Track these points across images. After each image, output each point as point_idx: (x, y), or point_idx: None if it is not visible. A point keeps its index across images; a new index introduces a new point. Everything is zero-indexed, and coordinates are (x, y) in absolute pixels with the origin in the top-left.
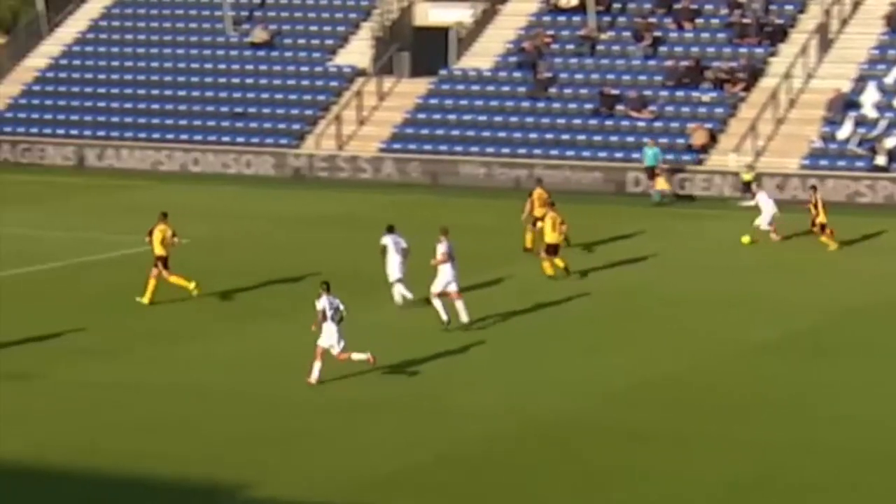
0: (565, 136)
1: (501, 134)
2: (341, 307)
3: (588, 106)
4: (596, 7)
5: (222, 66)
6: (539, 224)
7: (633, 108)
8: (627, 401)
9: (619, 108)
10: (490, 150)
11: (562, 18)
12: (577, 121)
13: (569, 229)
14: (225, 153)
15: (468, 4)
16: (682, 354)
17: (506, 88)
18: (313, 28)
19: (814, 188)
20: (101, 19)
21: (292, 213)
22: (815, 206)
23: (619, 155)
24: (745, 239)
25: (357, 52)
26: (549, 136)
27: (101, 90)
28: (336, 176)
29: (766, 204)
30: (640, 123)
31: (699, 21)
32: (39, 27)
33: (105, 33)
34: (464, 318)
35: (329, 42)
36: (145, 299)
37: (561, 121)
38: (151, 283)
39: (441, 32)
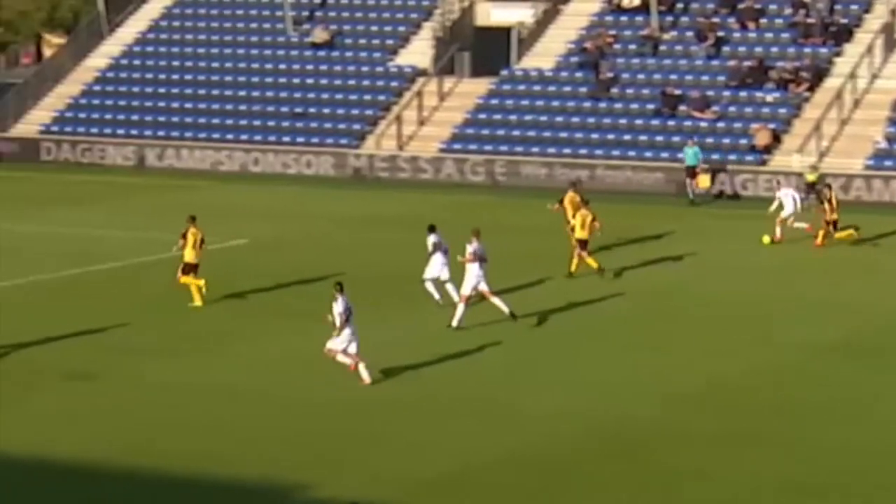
0: (627, 137)
1: (563, 134)
2: (351, 307)
3: (650, 106)
4: (658, 7)
5: (283, 67)
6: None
7: (696, 109)
8: (691, 402)
9: (682, 108)
10: (551, 150)
11: (624, 18)
12: (639, 121)
13: (601, 227)
14: (285, 153)
15: (530, 4)
16: (739, 356)
17: (567, 89)
18: (374, 28)
19: (828, 186)
20: (161, 19)
21: (352, 213)
22: (830, 202)
23: (680, 156)
24: (766, 239)
25: (418, 52)
26: (610, 136)
27: (162, 90)
28: (396, 176)
29: (787, 200)
30: (703, 124)
31: (763, 21)
32: (100, 27)
33: (166, 33)
34: (504, 309)
35: (390, 42)
36: (198, 302)
37: (623, 121)
38: (195, 284)
39: (502, 32)
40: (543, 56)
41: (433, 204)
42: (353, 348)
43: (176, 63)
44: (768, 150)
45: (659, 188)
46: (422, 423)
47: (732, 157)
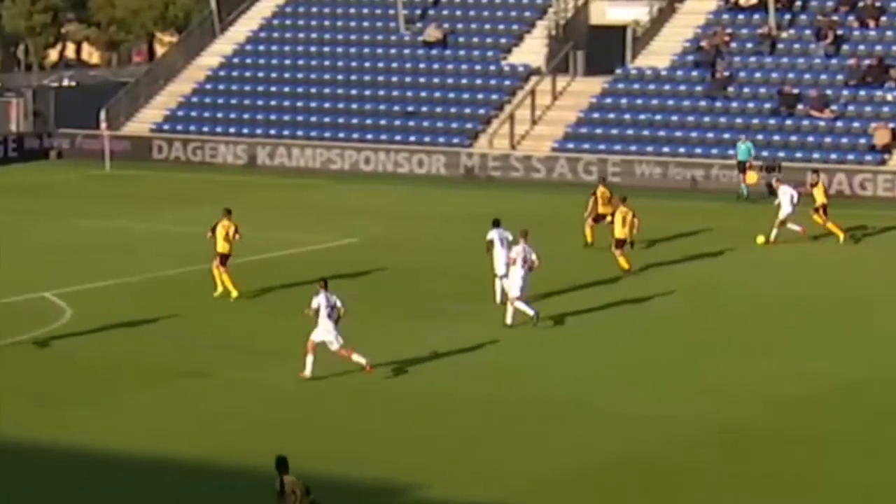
0: (743, 136)
1: (677, 133)
2: (339, 304)
3: (767, 105)
4: (776, 5)
5: (395, 65)
6: (608, 219)
7: (814, 108)
8: (795, 405)
9: (800, 107)
10: (666, 149)
11: (741, 16)
12: (756, 120)
13: (640, 224)
14: (397, 152)
15: (645, 2)
16: (843, 356)
17: (682, 88)
18: (487, 27)
19: (815, 171)
20: (273, 18)
21: (463, 212)
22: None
23: (798, 155)
24: (760, 239)
25: (531, 50)
26: (726, 135)
27: (273, 89)
28: (509, 175)
29: (784, 199)
30: (821, 123)
31: (883, 19)
32: (212, 26)
33: (278, 32)
34: (508, 320)
35: (503, 41)
36: (234, 293)
37: (739, 120)
38: (224, 278)
39: (617, 31)
40: (659, 55)
41: (545, 203)
42: (333, 344)
43: (287, 62)
44: (888, 149)
45: None
46: (530, 424)
47: (851, 156)
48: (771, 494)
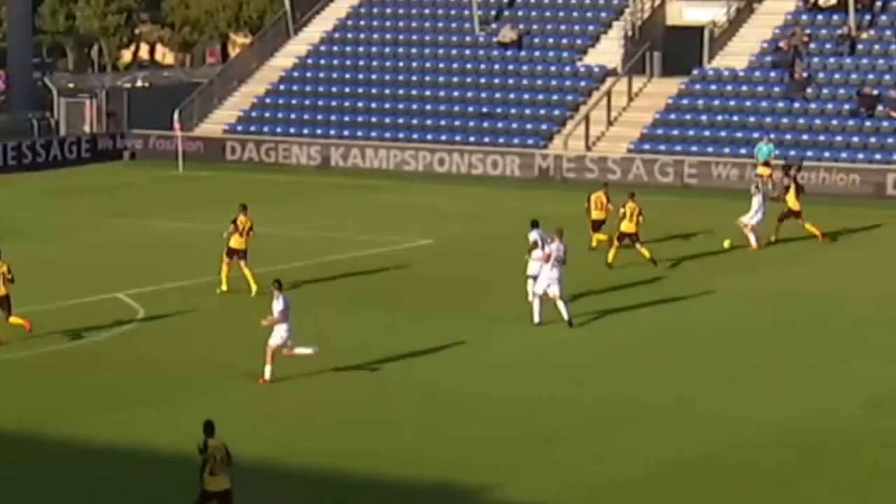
0: (822, 138)
1: (755, 135)
2: (289, 304)
3: (846, 107)
4: (856, 5)
5: (469, 66)
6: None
7: (894, 109)
8: (883, 407)
9: (880, 109)
10: (743, 151)
11: (820, 17)
12: (835, 122)
13: (644, 222)
14: (471, 153)
15: (722, 3)
16: None
17: (760, 89)
18: (563, 27)
19: (794, 167)
20: (347, 19)
21: (538, 214)
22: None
23: (878, 157)
24: (726, 244)
25: (607, 51)
26: (805, 137)
27: (347, 90)
28: (584, 177)
29: (756, 205)
30: None
31: None
32: (286, 27)
33: (352, 33)
34: (565, 315)
35: (579, 41)
36: (222, 287)
37: (818, 122)
38: (248, 273)
39: (694, 31)
40: (736, 55)
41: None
42: (278, 341)
43: (362, 63)
44: None
45: (855, 190)
46: (602, 425)
47: None
48: (849, 498)
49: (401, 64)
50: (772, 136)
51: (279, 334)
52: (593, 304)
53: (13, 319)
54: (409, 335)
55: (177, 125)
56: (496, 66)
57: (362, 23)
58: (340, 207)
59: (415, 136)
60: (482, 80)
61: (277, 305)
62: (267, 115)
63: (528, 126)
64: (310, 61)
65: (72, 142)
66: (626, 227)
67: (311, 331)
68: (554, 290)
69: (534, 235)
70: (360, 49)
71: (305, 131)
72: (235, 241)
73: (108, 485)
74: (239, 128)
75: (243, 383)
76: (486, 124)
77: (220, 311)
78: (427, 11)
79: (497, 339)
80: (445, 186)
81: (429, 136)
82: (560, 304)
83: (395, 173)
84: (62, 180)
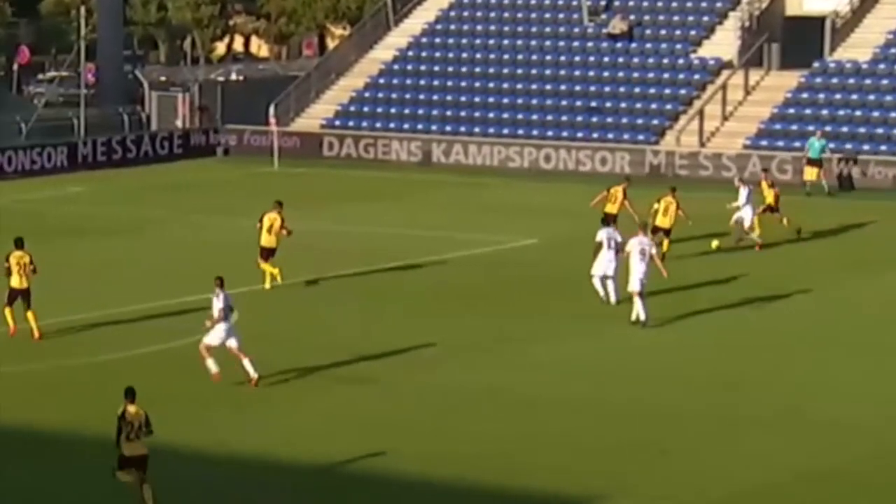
0: (818, 132)
1: (879, 130)
2: (231, 303)
3: None
4: None
5: (577, 59)
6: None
7: None
8: None
9: None
10: (866, 147)
11: None
12: None
13: (683, 217)
14: (579, 150)
15: None
16: None
17: (885, 82)
18: (676, 18)
19: (765, 170)
20: (450, 9)
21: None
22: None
23: None
24: (714, 244)
25: (723, 43)
26: None
27: (449, 83)
28: (697, 174)
29: (742, 199)
30: None
31: None
32: (386, 18)
33: (454, 24)
34: (642, 316)
35: (692, 33)
36: (266, 285)
37: None
38: (265, 266)
39: (814, 22)
40: (859, 47)
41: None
42: (232, 343)
43: (465, 55)
44: None
45: None
46: (713, 434)
47: None
48: None
49: (506, 56)
50: (822, 131)
51: (217, 334)
52: (679, 304)
53: (30, 315)
54: (510, 338)
55: (272, 120)
56: (605, 59)
57: (466, 13)
58: (441, 205)
59: (520, 131)
60: (591, 74)
61: (217, 304)
62: (366, 109)
63: (639, 121)
64: (411, 54)
65: (163, 137)
66: (661, 221)
67: (409, 334)
68: (634, 286)
69: (600, 235)
70: (464, 41)
71: (406, 126)
72: (266, 239)
73: (190, 488)
74: (337, 123)
75: (340, 388)
76: (594, 119)
77: (315, 312)
78: (534, 2)
79: (607, 341)
80: (551, 184)
81: (535, 132)
82: (637, 301)
83: (499, 170)
84: (153, 177)
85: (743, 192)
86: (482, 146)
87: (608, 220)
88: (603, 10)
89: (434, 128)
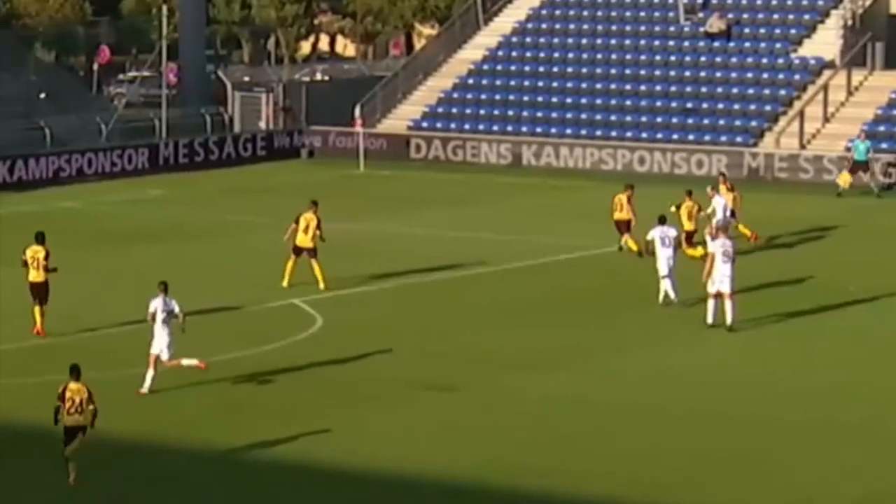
0: (862, 134)
1: None
2: (176, 310)
3: None
4: None
5: (673, 58)
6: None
7: None
8: None
9: None
10: None
11: None
12: None
13: (703, 217)
14: (674, 152)
15: None
16: None
17: None
18: (776, 17)
19: (722, 174)
20: (541, 8)
21: (747, 217)
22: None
23: None
24: (697, 252)
25: (824, 42)
26: None
27: (540, 84)
28: (797, 177)
29: (718, 206)
30: None
31: None
32: (475, 17)
33: (545, 23)
34: (729, 318)
35: (793, 32)
36: (284, 282)
37: None
38: (318, 270)
39: None
40: None
41: (836, 207)
42: (167, 354)
43: (556, 55)
44: None
45: None
46: (799, 445)
47: None
48: None
49: (598, 56)
50: (867, 133)
51: (159, 343)
52: (758, 308)
53: (37, 310)
54: (595, 346)
55: (358, 121)
56: (702, 59)
57: (557, 12)
58: (531, 209)
59: (613, 133)
60: (687, 74)
61: (151, 308)
62: (454, 110)
63: (737, 122)
64: (500, 53)
65: (247, 139)
66: (687, 226)
67: (493, 341)
68: (724, 288)
69: (652, 233)
70: (555, 40)
71: (495, 128)
72: (301, 239)
73: (278, 500)
74: (424, 124)
75: (424, 395)
76: (690, 121)
77: (402, 318)
78: (628, 0)
79: (695, 352)
80: (646, 187)
81: (628, 133)
82: (728, 304)
83: (591, 173)
84: (236, 179)
85: (716, 202)
86: (574, 148)
87: (619, 226)
88: (700, 8)
89: (524, 129)
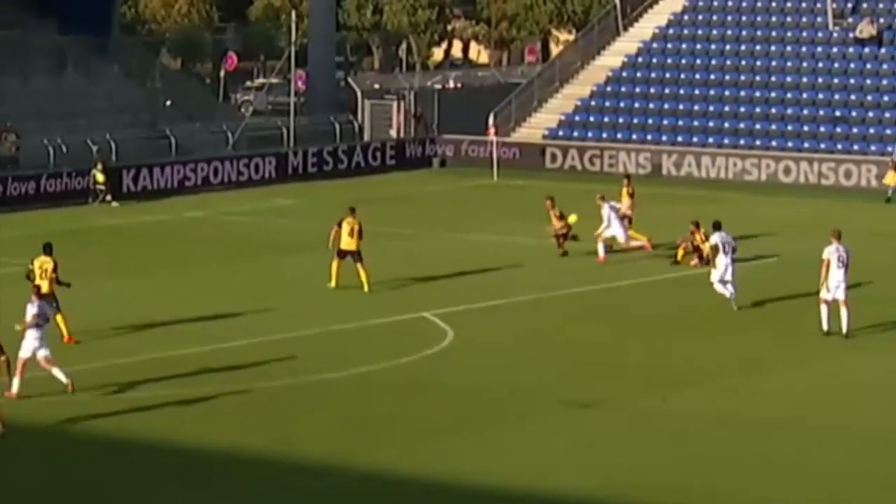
0: None
1: None
2: (46, 314)
3: None
4: None
5: (821, 65)
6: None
7: None
8: None
9: None
10: None
11: None
12: None
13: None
14: (821, 162)
15: None
16: None
17: None
18: None
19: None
20: (683, 13)
21: (892, 229)
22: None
23: None
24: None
25: None
26: None
27: (681, 91)
28: None
29: (613, 220)
30: None
31: None
32: (614, 22)
33: (687, 28)
34: (844, 325)
35: None
36: (332, 283)
37: None
38: (363, 273)
39: None
40: None
41: None
42: (42, 353)
43: (698, 62)
44: None
45: None
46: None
47: None
48: None
49: (742, 63)
50: None
51: (28, 345)
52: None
53: (61, 320)
54: (750, 361)
55: (492, 130)
56: (852, 65)
57: (699, 17)
58: (671, 220)
59: (757, 142)
60: (836, 81)
61: (31, 310)
62: (592, 119)
63: (888, 131)
64: (640, 60)
65: (377, 147)
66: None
67: (631, 356)
68: (839, 295)
69: (715, 239)
70: (697, 46)
71: (634, 137)
72: (346, 243)
73: None
74: (560, 133)
75: (560, 411)
76: (839, 129)
77: (538, 332)
78: (773, 4)
79: (829, 367)
80: (791, 198)
81: (773, 143)
82: (843, 312)
83: (734, 183)
84: (366, 189)
85: (605, 212)
86: (716, 158)
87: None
88: (850, 13)
89: (664, 138)
